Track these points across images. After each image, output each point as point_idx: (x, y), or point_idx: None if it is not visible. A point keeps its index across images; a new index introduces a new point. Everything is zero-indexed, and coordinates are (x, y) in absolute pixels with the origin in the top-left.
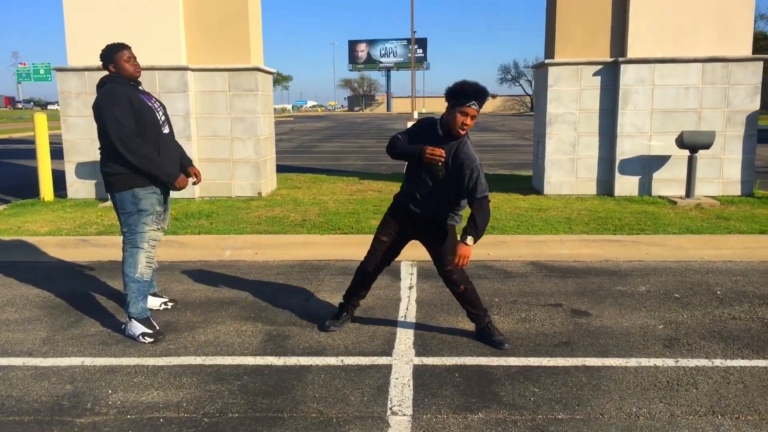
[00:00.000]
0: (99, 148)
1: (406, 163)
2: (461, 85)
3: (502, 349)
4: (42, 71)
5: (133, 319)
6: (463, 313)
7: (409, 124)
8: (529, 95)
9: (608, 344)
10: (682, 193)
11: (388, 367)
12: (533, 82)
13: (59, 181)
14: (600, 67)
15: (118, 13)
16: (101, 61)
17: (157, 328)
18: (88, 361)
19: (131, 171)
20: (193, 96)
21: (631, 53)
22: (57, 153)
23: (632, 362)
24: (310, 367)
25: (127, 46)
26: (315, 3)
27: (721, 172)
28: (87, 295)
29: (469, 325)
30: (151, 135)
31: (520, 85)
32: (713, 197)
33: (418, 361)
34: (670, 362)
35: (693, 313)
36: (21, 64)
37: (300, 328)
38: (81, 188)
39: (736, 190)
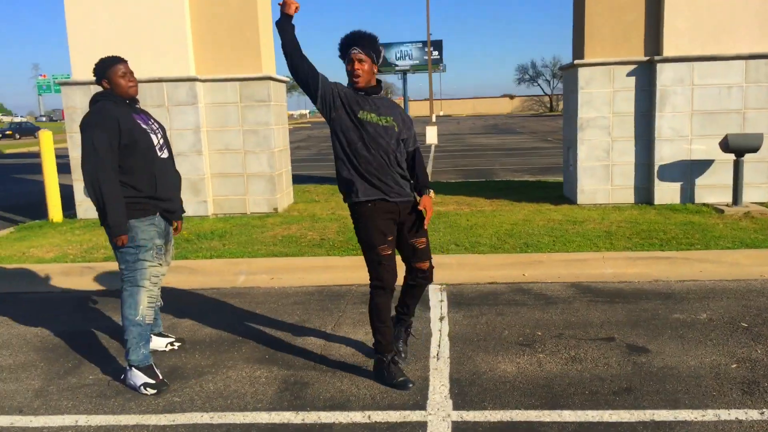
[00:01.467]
0: None
1: (341, 143)
2: (340, 40)
3: (401, 359)
4: None
5: (133, 368)
6: (504, 352)
7: (428, 129)
8: (548, 95)
9: (677, 390)
10: (728, 199)
11: (423, 426)
12: (563, 84)
13: (69, 199)
14: (634, 66)
15: (122, 23)
16: (94, 76)
17: (160, 377)
18: (83, 419)
19: (126, 200)
20: (203, 108)
21: (667, 51)
22: (66, 167)
23: (709, 415)
24: (333, 426)
25: (122, 59)
26: (327, 8)
27: None
28: (88, 334)
29: (511, 367)
30: (145, 161)
31: (539, 85)
32: (762, 204)
33: (456, 416)
34: (754, 414)
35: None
36: (41, 76)
37: (320, 373)
38: (90, 207)
39: None
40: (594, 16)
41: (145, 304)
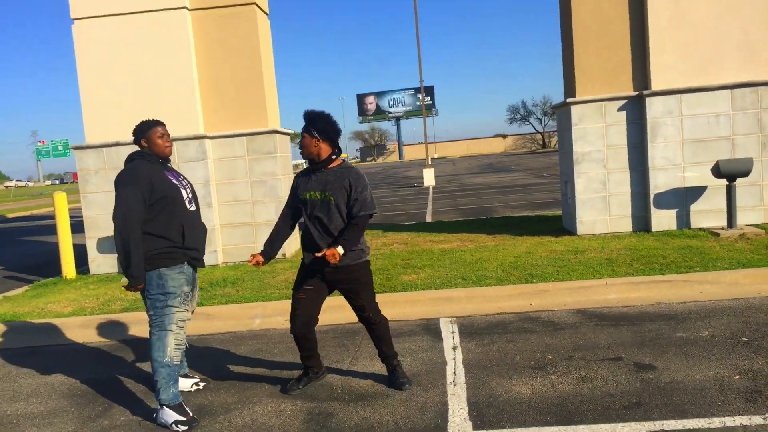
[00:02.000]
0: None
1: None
2: None
3: (403, 390)
4: (60, 147)
5: (164, 407)
6: (517, 375)
7: (425, 171)
8: (539, 132)
9: (684, 402)
10: (723, 223)
11: None
12: (557, 121)
13: (81, 256)
14: (624, 101)
15: (133, 89)
16: (133, 136)
17: (191, 414)
18: None
19: (158, 250)
20: (212, 163)
21: (655, 85)
22: (77, 227)
23: (716, 423)
24: None
25: (161, 122)
26: (320, 62)
27: (761, 199)
28: (114, 380)
29: (526, 389)
30: (175, 213)
31: (530, 123)
32: (756, 226)
33: None
34: (757, 420)
35: None
36: (40, 142)
37: (342, 404)
38: (103, 263)
39: None
40: (583, 57)
41: (172, 346)
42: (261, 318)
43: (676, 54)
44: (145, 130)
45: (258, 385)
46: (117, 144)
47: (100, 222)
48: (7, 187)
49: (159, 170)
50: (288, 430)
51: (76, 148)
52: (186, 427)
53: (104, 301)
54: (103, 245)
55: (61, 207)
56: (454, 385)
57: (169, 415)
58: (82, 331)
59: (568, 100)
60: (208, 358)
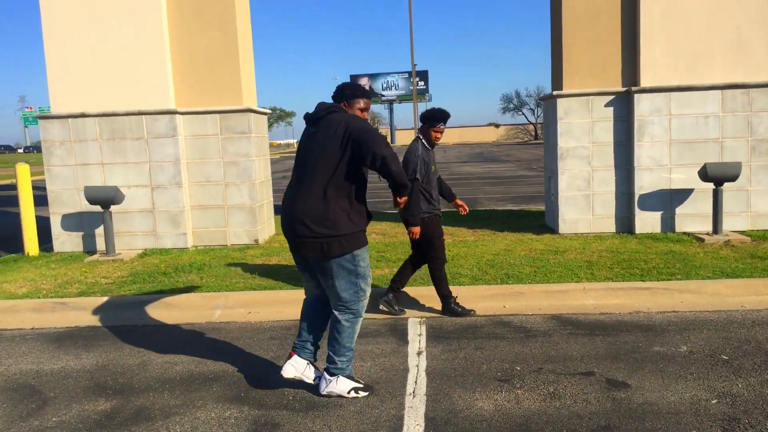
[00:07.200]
0: (312, 198)
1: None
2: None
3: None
4: None
5: (341, 376)
6: (481, 388)
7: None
8: (532, 123)
9: (656, 428)
10: (708, 228)
11: None
12: (543, 114)
13: (47, 231)
14: (612, 97)
15: (101, 58)
16: (339, 91)
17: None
18: None
19: (354, 228)
20: (183, 140)
21: (644, 82)
22: (43, 199)
23: None
24: None
25: (370, 95)
26: (315, 40)
27: (749, 205)
28: (55, 373)
29: (489, 404)
30: (365, 186)
31: (523, 113)
32: (742, 232)
33: None
34: None
35: (748, 382)
36: (27, 108)
37: (292, 413)
38: (67, 241)
39: (765, 223)
40: (572, 48)
41: (358, 331)
42: (222, 309)
43: (667, 49)
44: (351, 96)
45: (206, 387)
46: (83, 115)
47: (65, 197)
48: None
49: None
50: None
51: (42, 117)
52: (366, 393)
53: (62, 283)
54: (67, 222)
55: (24, 180)
56: (414, 396)
57: (347, 384)
58: (33, 315)
59: (555, 92)
60: (160, 351)
